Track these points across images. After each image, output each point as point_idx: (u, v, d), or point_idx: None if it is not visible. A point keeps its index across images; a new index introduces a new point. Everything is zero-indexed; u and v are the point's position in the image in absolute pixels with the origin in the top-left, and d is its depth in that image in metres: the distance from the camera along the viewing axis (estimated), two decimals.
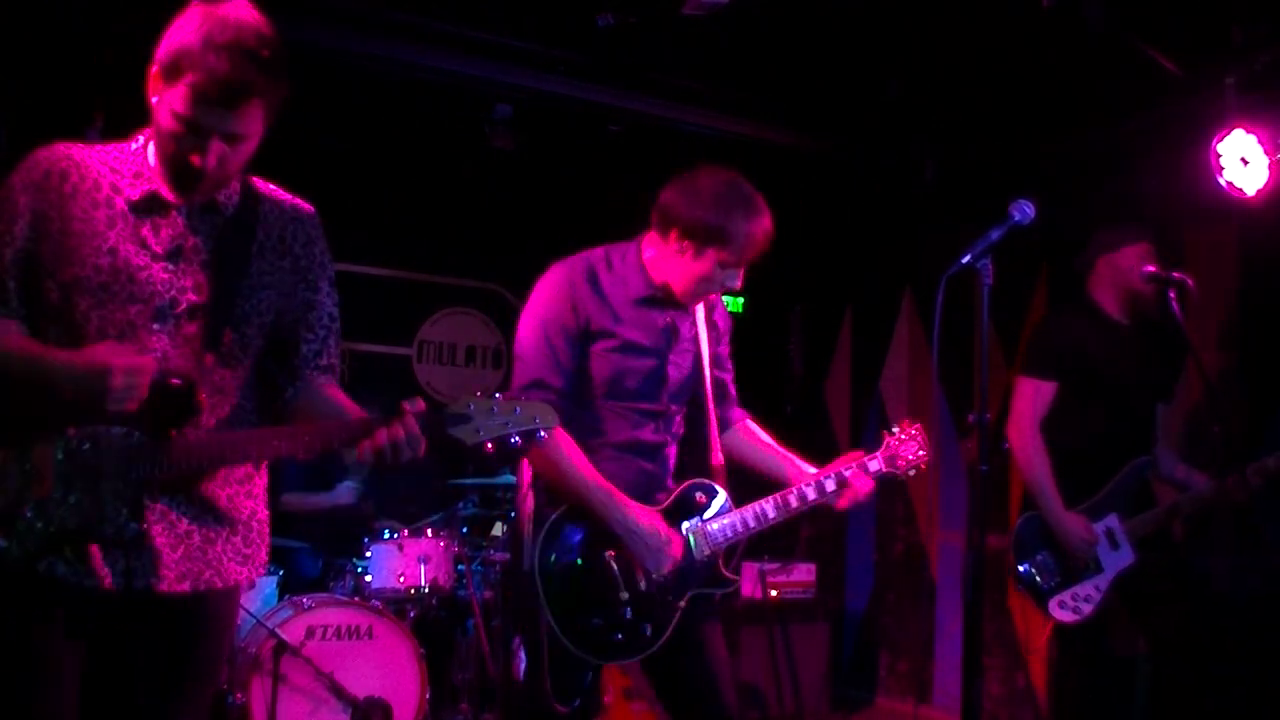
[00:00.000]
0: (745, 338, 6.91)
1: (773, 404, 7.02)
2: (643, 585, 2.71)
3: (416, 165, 5.89)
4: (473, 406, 2.09)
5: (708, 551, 2.82)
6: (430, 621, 4.90)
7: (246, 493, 2.17)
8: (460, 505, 5.26)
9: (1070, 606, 3.65)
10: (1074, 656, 3.79)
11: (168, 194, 2.06)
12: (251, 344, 2.13)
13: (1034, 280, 5.59)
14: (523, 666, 4.19)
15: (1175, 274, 3.67)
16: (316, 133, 5.51)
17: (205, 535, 2.08)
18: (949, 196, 5.46)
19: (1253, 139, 4.05)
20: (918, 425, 3.07)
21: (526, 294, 2.88)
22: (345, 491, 5.31)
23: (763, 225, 2.75)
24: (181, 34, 1.97)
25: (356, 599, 4.63)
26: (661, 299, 2.84)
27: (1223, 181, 4.11)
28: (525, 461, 2.80)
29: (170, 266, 2.04)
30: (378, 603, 4.57)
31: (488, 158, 5.41)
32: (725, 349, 3.10)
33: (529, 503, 2.78)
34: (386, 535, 4.79)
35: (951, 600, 5.90)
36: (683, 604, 2.75)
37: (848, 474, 2.92)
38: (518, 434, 2.09)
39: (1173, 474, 3.89)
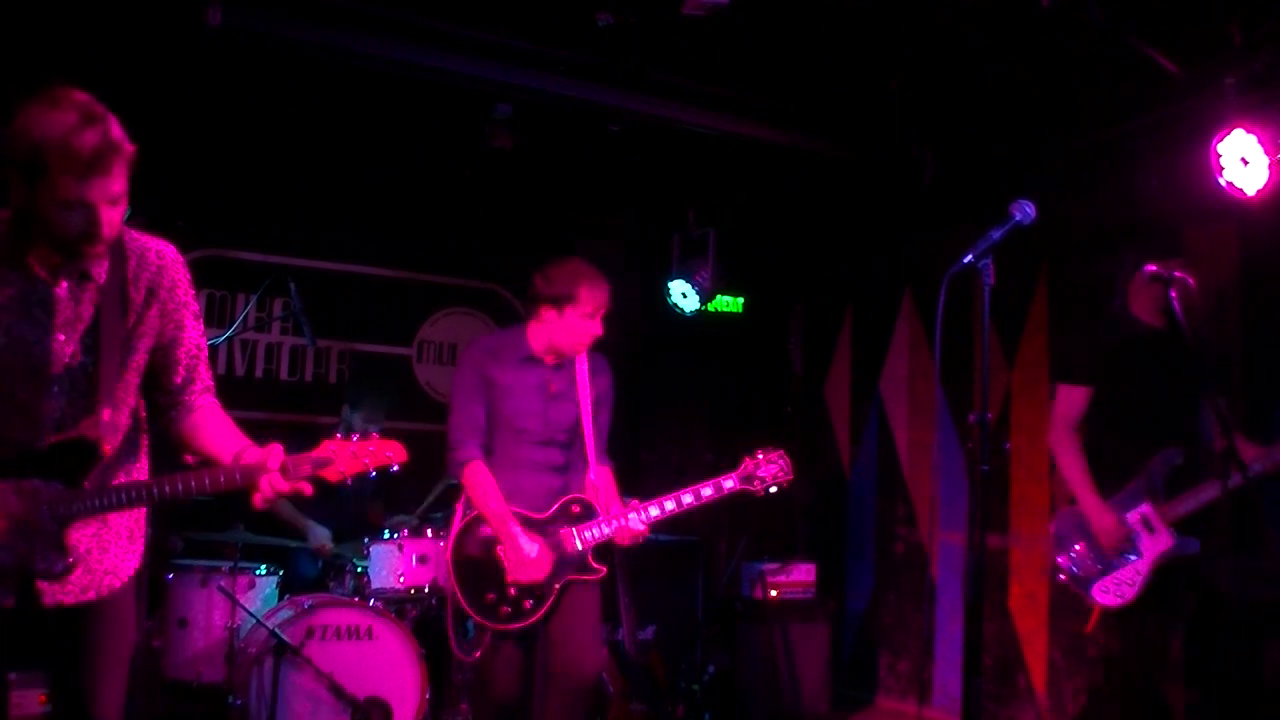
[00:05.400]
0: (745, 338, 6.98)
1: (773, 404, 7.03)
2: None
3: (416, 165, 5.89)
4: (334, 449, 2.43)
5: (579, 548, 3.69)
6: (430, 621, 4.90)
7: (134, 515, 2.50)
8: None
9: (1113, 591, 3.84)
10: (1131, 638, 3.90)
11: (45, 275, 2.31)
12: (132, 386, 2.44)
13: (1034, 280, 5.59)
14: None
15: (1177, 273, 3.67)
16: (316, 133, 5.52)
17: (101, 548, 2.41)
18: (949, 196, 5.47)
19: (1253, 139, 4.04)
20: (780, 451, 3.80)
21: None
22: (318, 535, 5.17)
23: (600, 285, 3.72)
24: (30, 133, 2.15)
25: (356, 599, 4.63)
26: (539, 362, 3.78)
27: (1223, 181, 4.11)
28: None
29: (61, 338, 2.32)
30: (378, 603, 4.56)
31: (488, 157, 5.41)
32: (605, 411, 3.90)
33: (458, 509, 3.78)
34: (386, 535, 4.79)
35: (951, 600, 5.91)
36: (558, 586, 3.65)
37: (705, 491, 3.71)
38: (375, 469, 2.47)
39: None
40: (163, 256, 2.47)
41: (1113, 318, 4.05)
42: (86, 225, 2.21)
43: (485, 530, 3.69)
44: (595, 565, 3.72)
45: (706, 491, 3.72)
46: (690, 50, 4.61)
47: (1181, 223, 4.82)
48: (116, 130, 2.21)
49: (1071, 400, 3.98)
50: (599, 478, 3.86)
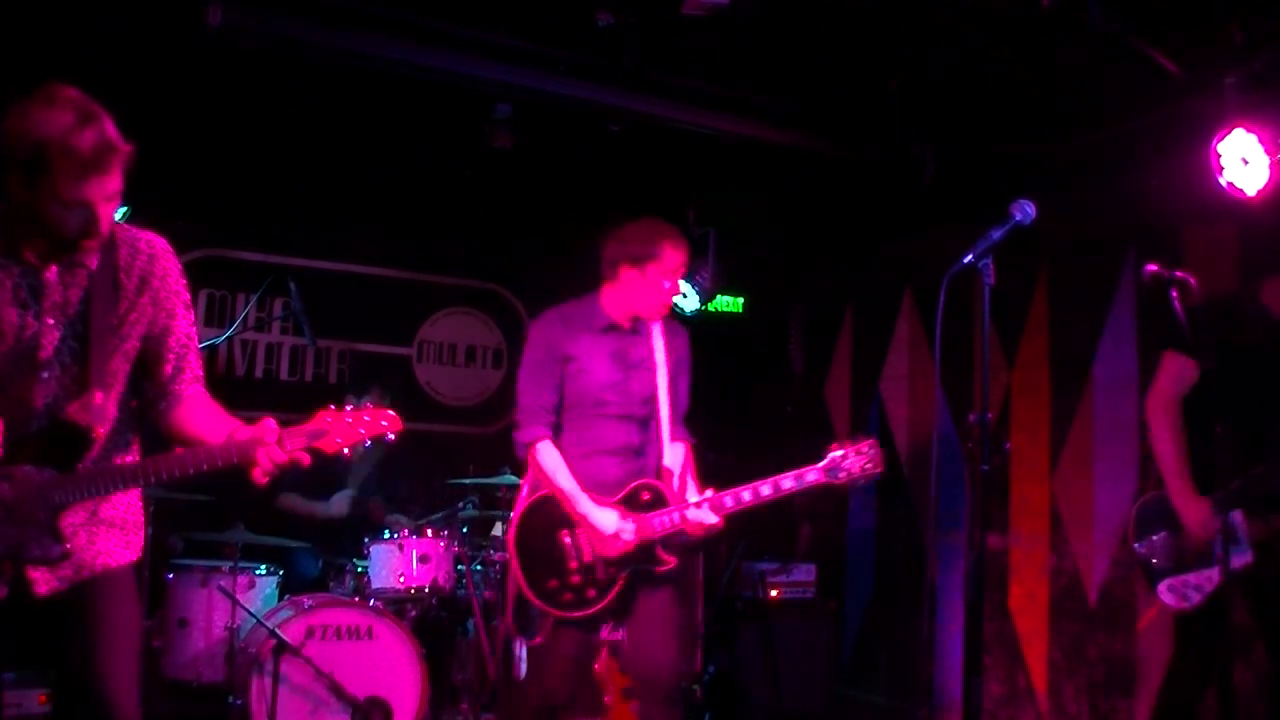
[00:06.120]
0: (745, 338, 6.98)
1: (773, 404, 7.03)
2: (588, 559, 3.48)
3: (416, 165, 5.89)
4: (329, 420, 2.43)
5: (646, 539, 3.46)
6: (430, 621, 4.90)
7: (127, 500, 2.50)
8: (460, 505, 5.26)
9: (1179, 592, 3.58)
10: (1188, 643, 3.67)
11: (35, 261, 2.31)
12: (122, 372, 2.44)
13: (1034, 280, 5.59)
14: (524, 667, 4.60)
15: (1178, 273, 3.67)
16: (316, 133, 5.52)
17: (90, 534, 2.40)
18: (949, 196, 5.47)
19: (1253, 139, 4.04)
20: (871, 441, 3.48)
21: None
22: (340, 501, 5.32)
23: (681, 242, 3.60)
24: (30, 132, 2.16)
25: (356, 599, 4.64)
26: (618, 329, 3.62)
27: (1223, 181, 4.11)
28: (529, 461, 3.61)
29: (50, 322, 2.32)
30: (378, 603, 4.57)
31: (488, 157, 5.41)
32: (684, 376, 3.74)
33: (523, 490, 3.65)
34: (386, 535, 4.79)
35: (951, 600, 5.90)
36: (623, 576, 3.48)
37: (786, 484, 3.44)
38: (371, 438, 2.47)
39: None
40: (153, 246, 2.48)
41: (1240, 301, 3.78)
42: (85, 223, 2.24)
43: (550, 512, 3.51)
44: (664, 556, 3.51)
45: (787, 484, 3.46)
46: (690, 50, 4.61)
47: (1181, 223, 4.84)
48: (112, 129, 2.22)
49: (1177, 371, 3.65)
50: (674, 459, 3.64)
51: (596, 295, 3.67)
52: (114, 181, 2.23)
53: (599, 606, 3.47)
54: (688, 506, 3.49)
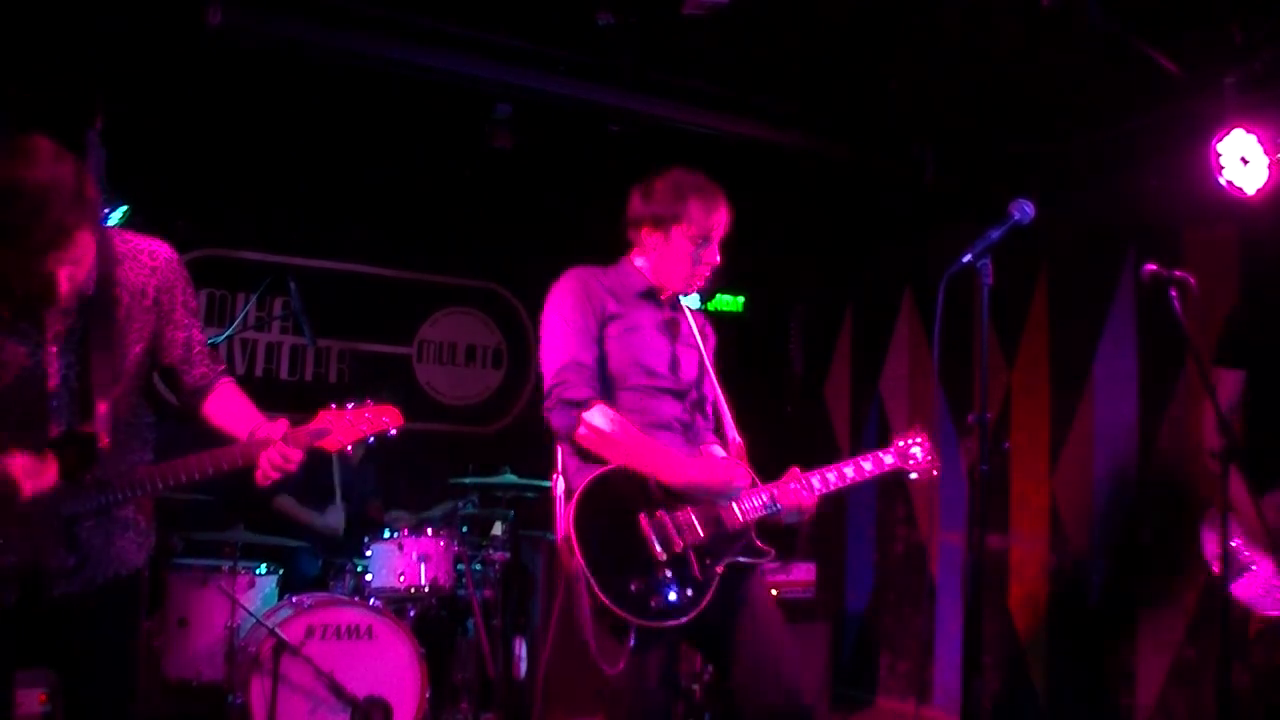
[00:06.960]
0: (745, 338, 6.99)
1: (773, 404, 7.03)
2: (679, 547, 2.79)
3: (416, 165, 5.90)
4: (330, 419, 2.47)
5: (741, 522, 2.91)
6: (430, 621, 4.90)
7: (138, 503, 2.51)
8: (460, 505, 5.26)
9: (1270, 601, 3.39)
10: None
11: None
12: (126, 381, 2.43)
13: (1034, 280, 5.60)
14: (524, 667, 4.29)
15: (1177, 273, 3.67)
16: (316, 133, 5.52)
17: (106, 537, 2.41)
18: (949, 196, 5.47)
19: (1253, 139, 4.05)
20: (925, 434, 3.22)
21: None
22: (335, 514, 5.31)
23: (715, 200, 3.08)
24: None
25: (356, 599, 4.63)
26: (659, 296, 3.08)
27: (1223, 181, 4.11)
28: (557, 448, 2.98)
29: (54, 350, 2.32)
30: (378, 602, 4.57)
31: (488, 158, 5.41)
32: (711, 364, 3.20)
33: (559, 485, 2.93)
34: (386, 535, 4.79)
35: (951, 600, 5.91)
36: (720, 569, 2.82)
37: (867, 465, 3.09)
38: (372, 435, 2.50)
39: None
40: (156, 258, 2.45)
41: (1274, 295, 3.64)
42: (44, 290, 2.20)
43: (619, 492, 2.80)
44: (762, 546, 2.94)
45: (866, 465, 3.10)
46: (690, 50, 4.61)
47: (1181, 223, 4.84)
48: (83, 194, 2.15)
49: (1224, 386, 3.51)
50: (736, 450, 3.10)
51: (627, 259, 3.15)
52: (78, 249, 2.19)
53: (699, 609, 2.75)
54: (779, 485, 2.98)
